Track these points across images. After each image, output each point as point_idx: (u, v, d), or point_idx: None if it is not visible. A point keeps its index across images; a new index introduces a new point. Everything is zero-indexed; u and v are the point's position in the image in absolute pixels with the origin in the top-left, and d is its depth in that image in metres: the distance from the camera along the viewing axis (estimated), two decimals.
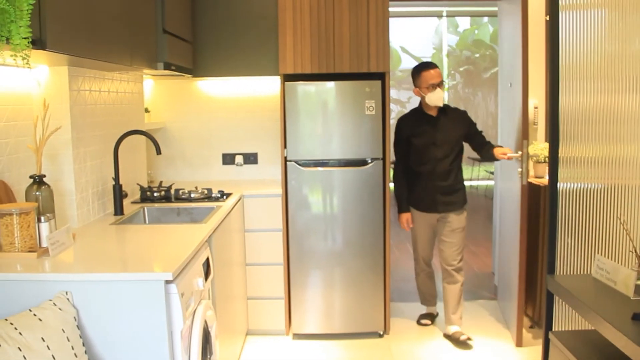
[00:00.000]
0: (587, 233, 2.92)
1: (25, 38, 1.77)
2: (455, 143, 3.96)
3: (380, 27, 3.89)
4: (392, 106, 12.65)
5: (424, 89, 3.87)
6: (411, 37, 12.69)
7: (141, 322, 2.10)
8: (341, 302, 4.06)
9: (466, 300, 4.88)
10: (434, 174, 3.94)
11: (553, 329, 2.71)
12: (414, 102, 14.68)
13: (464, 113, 4.06)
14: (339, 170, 3.98)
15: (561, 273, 3.03)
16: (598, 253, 2.79)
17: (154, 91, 4.50)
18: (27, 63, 1.81)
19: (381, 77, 3.95)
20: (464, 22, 13.29)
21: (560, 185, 2.91)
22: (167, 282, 2.12)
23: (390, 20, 3.94)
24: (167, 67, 3.41)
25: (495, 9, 5.16)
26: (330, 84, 3.95)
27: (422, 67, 3.91)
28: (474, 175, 12.36)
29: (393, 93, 12.74)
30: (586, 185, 2.94)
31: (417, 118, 4.02)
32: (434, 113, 3.97)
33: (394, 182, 4.10)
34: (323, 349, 3.95)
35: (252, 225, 4.01)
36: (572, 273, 2.99)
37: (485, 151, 3.99)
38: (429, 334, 4.17)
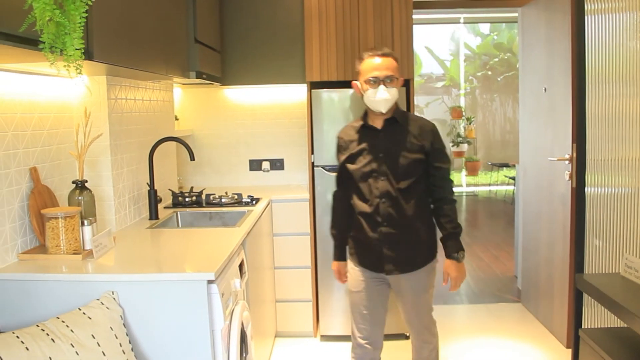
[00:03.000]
0: (614, 234, 2.97)
1: (77, 49, 1.86)
2: (408, 171, 2.66)
3: (405, 34, 3.96)
4: None
5: (362, 83, 2.70)
6: (433, 41, 12.77)
7: (184, 320, 2.18)
8: None
9: (490, 303, 4.93)
10: (377, 217, 2.69)
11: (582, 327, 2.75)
12: (433, 108, 14.65)
13: (429, 128, 2.73)
14: None
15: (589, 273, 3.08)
16: (626, 252, 2.83)
17: (182, 99, 4.60)
18: (79, 73, 1.91)
19: (405, 83, 4.02)
20: (483, 29, 13.36)
21: (588, 188, 2.96)
22: (209, 282, 2.20)
23: (414, 26, 4.01)
24: (199, 75, 3.51)
25: (515, 14, 5.22)
26: None
27: (366, 52, 2.72)
28: (493, 181, 12.39)
29: None
30: (613, 187, 2.98)
31: (357, 132, 2.78)
32: (378, 124, 2.72)
33: (331, 212, 3.01)
34: (349, 350, 4.00)
35: (280, 230, 4.09)
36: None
37: (438, 215, 2.75)
38: (455, 335, 4.21)
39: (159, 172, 3.65)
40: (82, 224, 2.49)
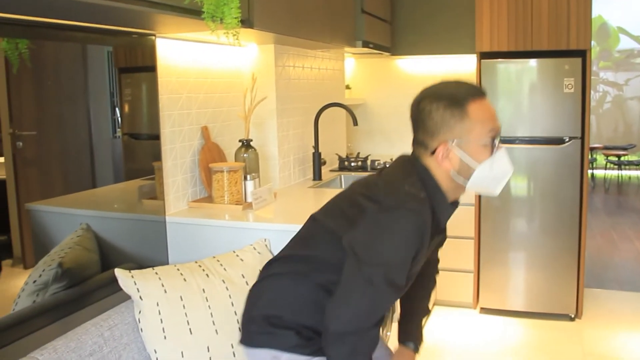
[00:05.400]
0: None
1: (235, 18, 2.08)
2: None
3: (582, 0, 3.72)
4: (608, 89, 11.73)
5: (474, 148, 1.66)
6: (633, 15, 11.55)
7: None
8: (531, 281, 4.00)
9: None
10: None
11: None
12: (634, 85, 13.34)
13: None
14: (534, 147, 3.90)
15: None
16: None
17: (355, 69, 4.78)
18: (237, 39, 2.13)
19: (582, 54, 3.78)
20: None
21: None
22: None
23: None
24: (365, 45, 3.64)
25: None
26: (528, 62, 3.88)
27: (465, 92, 1.69)
28: None
29: (609, 75, 11.79)
30: None
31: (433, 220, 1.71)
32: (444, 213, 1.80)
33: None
34: (510, 325, 3.93)
35: None
36: None
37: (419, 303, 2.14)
38: (626, 323, 3.93)
39: (326, 136, 3.86)
40: (245, 178, 2.76)
